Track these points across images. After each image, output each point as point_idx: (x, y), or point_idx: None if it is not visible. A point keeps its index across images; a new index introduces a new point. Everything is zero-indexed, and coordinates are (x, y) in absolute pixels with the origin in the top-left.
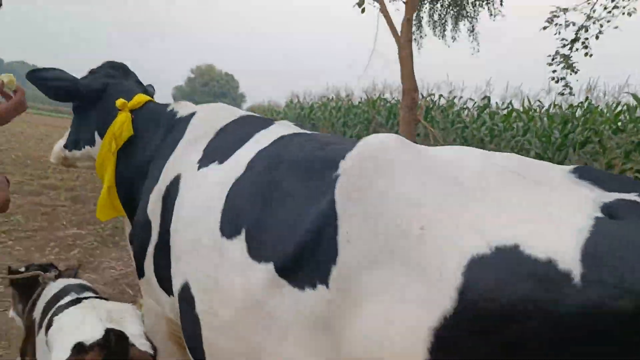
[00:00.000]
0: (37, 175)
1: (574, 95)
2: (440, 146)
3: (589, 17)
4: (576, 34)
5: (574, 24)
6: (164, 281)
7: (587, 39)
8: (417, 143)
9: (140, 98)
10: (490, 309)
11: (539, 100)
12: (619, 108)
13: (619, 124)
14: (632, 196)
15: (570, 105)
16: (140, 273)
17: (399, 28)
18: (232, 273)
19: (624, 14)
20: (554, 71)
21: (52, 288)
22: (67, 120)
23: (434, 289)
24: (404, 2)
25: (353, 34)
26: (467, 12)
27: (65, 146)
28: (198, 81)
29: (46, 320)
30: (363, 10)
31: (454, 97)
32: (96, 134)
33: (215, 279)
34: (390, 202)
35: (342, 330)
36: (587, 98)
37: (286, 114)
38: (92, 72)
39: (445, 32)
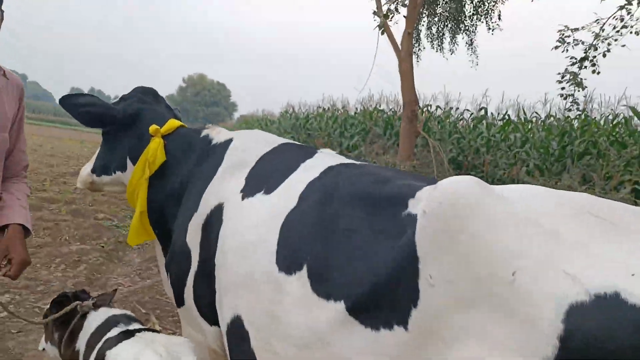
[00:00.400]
0: (34, 188)
1: (581, 111)
2: (506, 185)
3: (597, 36)
4: (585, 52)
5: (582, 43)
6: (205, 310)
7: (594, 56)
8: (416, 154)
9: (172, 124)
10: (596, 358)
11: (535, 112)
12: (616, 120)
13: (617, 135)
14: None
15: (567, 118)
16: (180, 302)
17: (398, 41)
18: (294, 310)
19: (631, 32)
20: (563, 88)
21: (95, 318)
22: (59, 129)
23: (533, 336)
24: (404, 17)
25: (352, 47)
26: (465, 26)
27: (93, 171)
28: (190, 90)
29: (95, 353)
30: (383, 32)
31: (451, 108)
32: (128, 159)
33: (273, 315)
34: (479, 248)
35: None
36: (584, 110)
37: (281, 124)
38: (123, 98)
39: (443, 45)
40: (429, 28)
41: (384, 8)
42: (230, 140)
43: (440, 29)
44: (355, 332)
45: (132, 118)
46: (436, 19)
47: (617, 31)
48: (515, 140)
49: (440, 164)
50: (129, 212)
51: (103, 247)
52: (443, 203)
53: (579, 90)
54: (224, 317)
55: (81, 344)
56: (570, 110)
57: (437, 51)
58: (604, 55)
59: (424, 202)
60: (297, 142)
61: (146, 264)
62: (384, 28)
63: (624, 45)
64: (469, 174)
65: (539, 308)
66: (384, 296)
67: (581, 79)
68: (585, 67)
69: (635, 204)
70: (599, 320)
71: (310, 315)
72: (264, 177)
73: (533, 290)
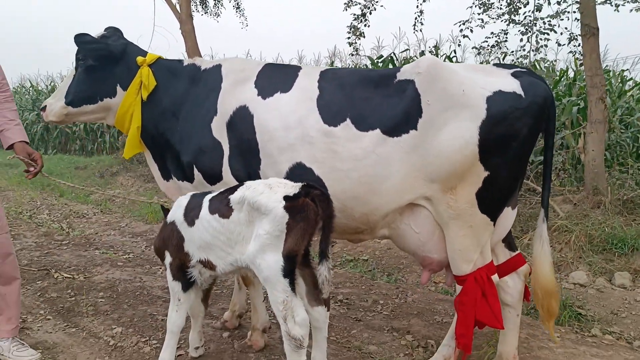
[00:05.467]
0: None
1: (361, 56)
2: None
3: None
4: (362, 10)
5: (359, 3)
6: (242, 178)
7: (366, 14)
8: None
9: (153, 56)
10: (500, 113)
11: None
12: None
13: None
14: (518, 68)
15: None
16: (217, 179)
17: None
18: (347, 142)
19: None
20: (349, 38)
21: (181, 201)
22: None
23: (475, 112)
24: None
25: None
26: None
27: (69, 103)
28: None
29: (206, 207)
30: None
31: None
32: (118, 86)
33: (332, 150)
34: (448, 82)
35: (430, 143)
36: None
37: (21, 100)
38: (104, 36)
39: (208, 9)
40: None
41: None
42: (219, 65)
43: None
44: (388, 141)
45: (121, 52)
46: None
47: None
48: None
49: None
50: None
51: None
52: (429, 66)
53: (358, 39)
54: (280, 169)
55: (175, 215)
56: (353, 55)
57: (202, 14)
58: (370, 13)
59: (417, 68)
60: (273, 62)
61: None
62: None
63: (382, 6)
64: None
65: (476, 100)
66: (402, 119)
67: (362, 31)
68: (361, 21)
69: None
70: (496, 100)
71: (358, 142)
72: (273, 84)
73: (471, 94)
